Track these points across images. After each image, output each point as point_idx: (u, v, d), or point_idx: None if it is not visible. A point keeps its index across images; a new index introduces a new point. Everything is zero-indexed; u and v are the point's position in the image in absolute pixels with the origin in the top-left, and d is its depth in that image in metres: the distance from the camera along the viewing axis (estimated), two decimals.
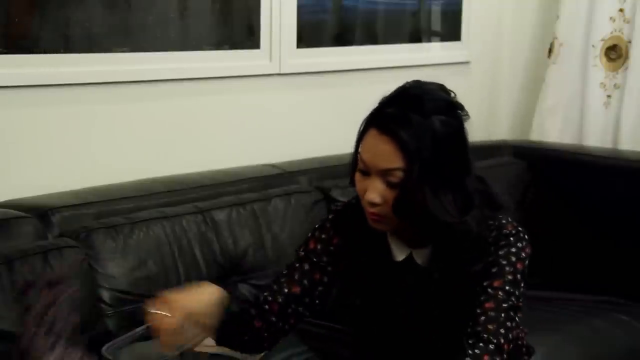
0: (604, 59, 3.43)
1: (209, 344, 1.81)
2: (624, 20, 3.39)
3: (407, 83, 1.72)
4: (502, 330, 1.68)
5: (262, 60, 2.83)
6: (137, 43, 2.51)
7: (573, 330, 2.66)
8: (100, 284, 2.11)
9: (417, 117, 1.63)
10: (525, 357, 1.97)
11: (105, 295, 2.12)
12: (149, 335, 1.89)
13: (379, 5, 3.22)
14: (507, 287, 1.72)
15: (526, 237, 1.78)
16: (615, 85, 3.42)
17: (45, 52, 2.32)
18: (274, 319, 1.82)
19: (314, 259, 1.84)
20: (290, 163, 2.79)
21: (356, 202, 1.81)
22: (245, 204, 2.46)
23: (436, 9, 3.43)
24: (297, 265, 1.85)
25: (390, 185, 1.65)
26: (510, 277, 1.73)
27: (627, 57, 3.38)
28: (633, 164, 3.11)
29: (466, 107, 1.73)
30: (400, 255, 1.80)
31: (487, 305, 1.70)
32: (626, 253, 2.98)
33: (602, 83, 3.44)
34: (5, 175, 2.29)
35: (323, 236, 1.86)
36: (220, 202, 2.43)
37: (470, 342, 1.66)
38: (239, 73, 2.78)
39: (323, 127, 3.03)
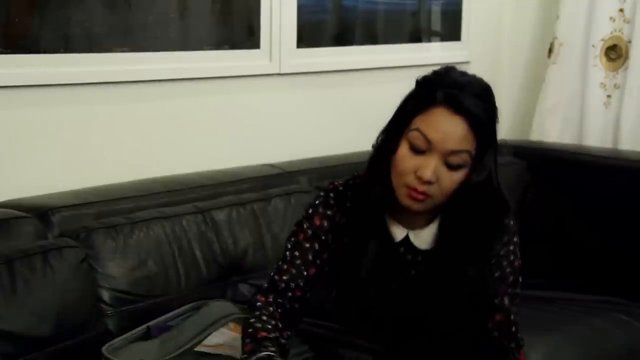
0: (604, 59, 3.43)
1: (209, 344, 1.81)
2: (624, 20, 3.39)
3: (449, 68, 1.76)
4: (513, 345, 1.83)
5: (262, 60, 2.83)
6: (137, 43, 2.51)
7: (573, 330, 2.66)
8: (100, 284, 2.11)
9: (481, 102, 1.69)
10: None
11: (105, 295, 2.11)
12: (148, 335, 1.89)
13: (379, 5, 3.22)
14: (509, 290, 1.80)
15: None
16: (615, 85, 3.42)
17: (45, 52, 2.32)
18: (296, 305, 1.81)
19: (322, 237, 1.83)
20: (290, 163, 2.79)
21: (356, 183, 1.84)
22: (245, 204, 2.46)
23: (436, 9, 3.43)
24: (308, 245, 1.83)
25: (448, 166, 1.68)
26: (511, 278, 1.81)
27: (627, 57, 3.38)
28: (633, 164, 3.11)
29: None
30: (399, 235, 1.82)
31: (497, 317, 1.80)
32: (626, 253, 2.98)
33: (602, 83, 3.44)
34: (5, 175, 2.28)
35: (328, 212, 1.84)
36: (220, 202, 2.43)
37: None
38: (239, 73, 2.78)
39: (323, 127, 3.03)
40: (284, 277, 1.81)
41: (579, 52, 3.46)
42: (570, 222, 3.13)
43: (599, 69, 3.44)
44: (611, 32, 3.41)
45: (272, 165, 2.74)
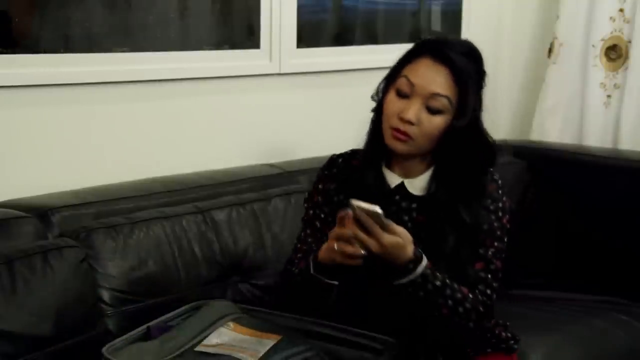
0: (604, 59, 3.43)
1: (209, 344, 1.81)
2: (624, 20, 3.39)
3: (439, 34, 1.95)
4: (488, 291, 1.88)
5: (262, 60, 2.83)
6: (137, 43, 2.51)
7: (573, 330, 2.65)
8: (100, 283, 2.11)
9: (465, 58, 1.86)
10: (512, 342, 2.00)
11: (105, 295, 2.11)
12: (148, 336, 1.89)
13: (379, 5, 3.22)
14: (495, 243, 1.91)
15: None
16: (615, 85, 3.42)
17: (45, 52, 2.32)
18: None
19: (321, 215, 2.00)
20: (290, 163, 2.79)
21: (353, 151, 2.00)
22: (245, 204, 2.46)
23: (436, 9, 3.43)
24: (314, 223, 1.99)
25: (429, 109, 1.84)
26: (498, 232, 1.91)
27: (627, 57, 3.38)
28: (633, 164, 3.11)
29: None
30: (394, 182, 1.95)
31: (478, 266, 1.89)
32: (626, 253, 2.98)
33: (602, 83, 3.44)
34: (5, 175, 2.29)
35: (320, 186, 2.03)
36: (220, 202, 2.43)
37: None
38: (239, 73, 2.78)
39: (323, 127, 3.02)
40: (299, 255, 1.98)
41: (579, 52, 3.47)
42: (570, 222, 3.12)
43: (599, 69, 3.44)
44: (611, 32, 3.41)
45: (272, 165, 2.74)
